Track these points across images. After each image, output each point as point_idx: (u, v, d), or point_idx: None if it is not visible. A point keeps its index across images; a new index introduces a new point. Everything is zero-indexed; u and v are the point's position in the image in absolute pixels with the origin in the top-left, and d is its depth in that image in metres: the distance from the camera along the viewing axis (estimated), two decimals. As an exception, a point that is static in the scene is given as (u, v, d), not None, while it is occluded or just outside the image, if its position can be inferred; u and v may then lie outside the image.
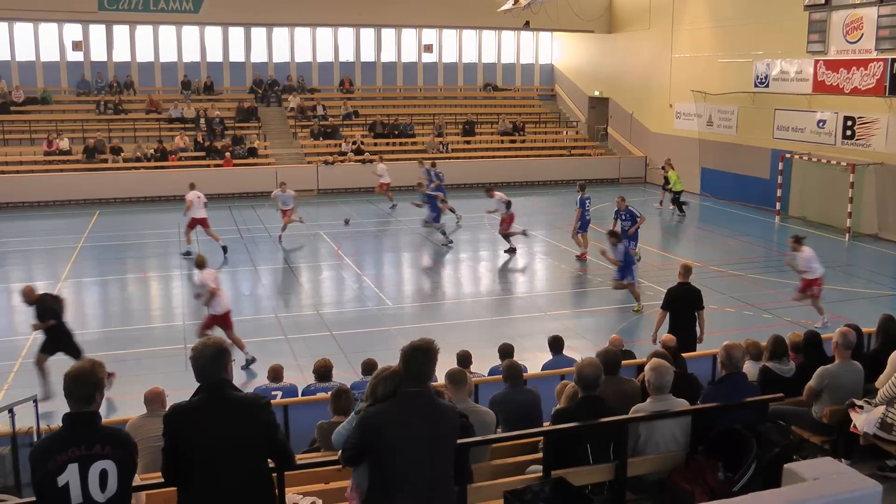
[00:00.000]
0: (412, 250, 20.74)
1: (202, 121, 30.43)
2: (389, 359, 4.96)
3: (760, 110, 25.46)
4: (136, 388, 9.09)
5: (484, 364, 9.78)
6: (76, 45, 31.56)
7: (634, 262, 15.27)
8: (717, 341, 7.26)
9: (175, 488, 4.21)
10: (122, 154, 28.19)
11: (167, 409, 4.40)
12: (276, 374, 9.23)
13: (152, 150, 28.45)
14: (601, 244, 16.57)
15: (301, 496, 5.26)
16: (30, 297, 11.10)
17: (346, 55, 34.96)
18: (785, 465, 4.44)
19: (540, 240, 21.68)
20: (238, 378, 11.06)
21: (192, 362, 4.18)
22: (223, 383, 4.15)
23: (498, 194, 19.93)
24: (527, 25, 31.53)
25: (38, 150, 27.81)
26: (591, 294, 16.77)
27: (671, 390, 5.61)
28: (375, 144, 30.97)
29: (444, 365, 5.63)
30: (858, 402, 6.28)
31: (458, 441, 4.52)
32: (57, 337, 11.07)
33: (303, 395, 8.88)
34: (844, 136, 22.40)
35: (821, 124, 23.25)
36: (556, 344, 9.95)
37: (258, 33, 33.55)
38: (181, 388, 10.84)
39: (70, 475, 3.79)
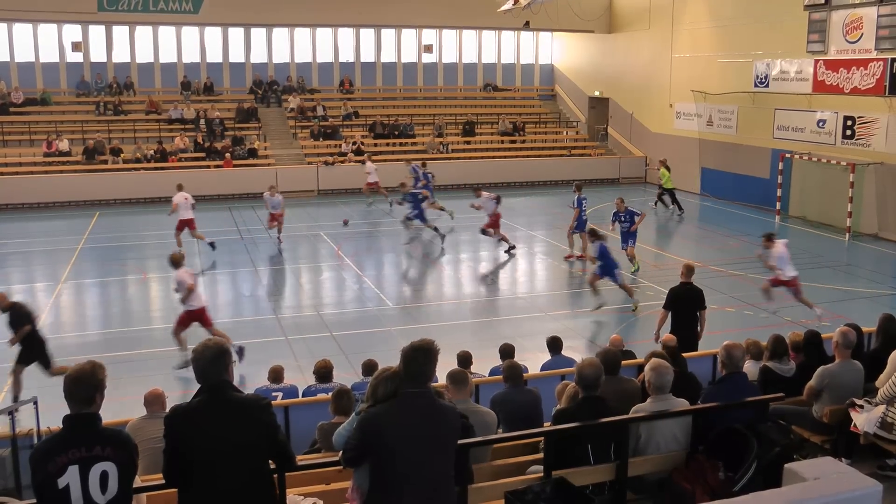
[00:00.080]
0: (412, 251, 20.73)
1: (202, 121, 30.39)
2: (390, 359, 4.95)
3: (760, 110, 25.46)
4: (137, 389, 9.07)
5: (484, 364, 9.77)
6: (76, 46, 31.51)
7: (616, 265, 14.99)
8: (717, 341, 7.25)
9: (176, 490, 4.21)
10: (122, 155, 28.17)
11: (167, 410, 4.39)
12: (276, 374, 9.24)
13: (152, 151, 28.43)
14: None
15: (302, 497, 5.25)
16: (2, 303, 10.79)
17: (346, 55, 34.94)
18: (785, 465, 4.45)
19: (540, 240, 21.69)
20: (238, 378, 11.06)
21: (192, 364, 4.19)
22: (224, 385, 4.14)
23: (486, 193, 20.01)
24: (527, 25, 31.51)
25: (38, 152, 27.78)
26: (590, 294, 16.73)
27: (671, 390, 5.62)
28: (375, 145, 30.96)
29: (445, 365, 5.62)
30: (859, 402, 6.28)
31: (459, 441, 4.52)
32: (31, 345, 10.79)
33: (303, 395, 8.88)
34: (844, 136, 22.41)
35: (821, 124, 23.26)
36: (554, 344, 9.96)
37: (258, 34, 33.52)
38: (181, 389, 10.94)
39: (70, 477, 3.79)
